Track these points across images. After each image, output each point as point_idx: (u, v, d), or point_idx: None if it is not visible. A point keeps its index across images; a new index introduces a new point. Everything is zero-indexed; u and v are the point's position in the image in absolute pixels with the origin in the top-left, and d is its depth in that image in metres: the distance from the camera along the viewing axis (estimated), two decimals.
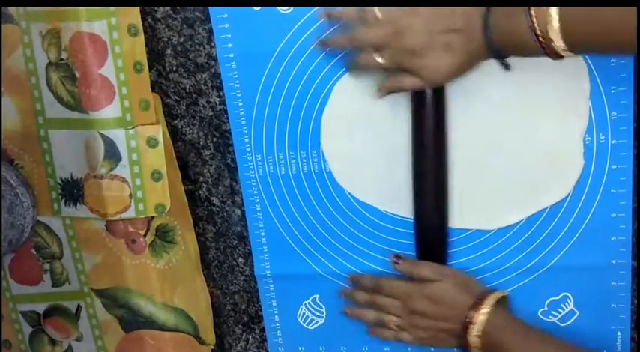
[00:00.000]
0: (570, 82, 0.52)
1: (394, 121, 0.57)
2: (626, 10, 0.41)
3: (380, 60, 0.51)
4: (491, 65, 0.50)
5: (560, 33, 0.43)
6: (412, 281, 0.56)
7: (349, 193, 0.60)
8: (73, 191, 0.61)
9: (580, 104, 0.53)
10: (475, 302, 0.53)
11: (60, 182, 0.61)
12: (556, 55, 0.45)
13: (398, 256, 0.58)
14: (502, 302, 0.55)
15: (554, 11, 0.43)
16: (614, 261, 0.56)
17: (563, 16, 0.43)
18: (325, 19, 0.54)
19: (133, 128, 0.58)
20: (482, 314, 0.52)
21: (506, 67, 0.50)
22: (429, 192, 0.55)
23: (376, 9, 0.50)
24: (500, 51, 0.47)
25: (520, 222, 0.57)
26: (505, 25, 0.46)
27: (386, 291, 0.57)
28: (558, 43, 0.44)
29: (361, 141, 0.58)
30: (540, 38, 0.44)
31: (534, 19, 0.44)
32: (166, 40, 0.59)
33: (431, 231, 0.57)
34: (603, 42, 0.44)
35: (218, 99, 0.60)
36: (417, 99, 0.53)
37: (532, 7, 0.44)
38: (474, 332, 0.52)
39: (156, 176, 0.59)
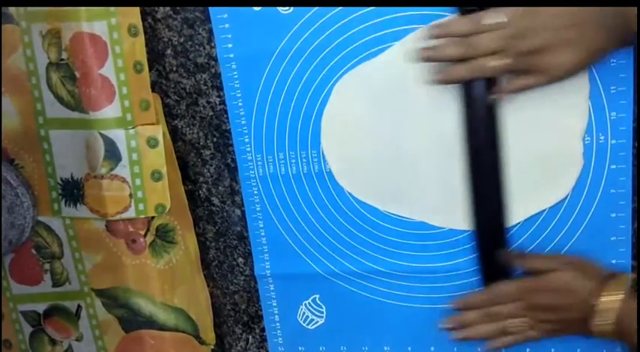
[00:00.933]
0: (570, 82, 0.52)
1: (394, 121, 0.57)
2: None
3: (495, 63, 0.49)
4: None
5: None
6: (526, 278, 0.55)
7: (349, 193, 0.60)
8: (73, 191, 0.61)
9: (579, 104, 0.53)
10: (596, 289, 0.51)
11: (60, 182, 0.61)
12: None
13: (512, 253, 0.56)
14: (627, 284, 0.51)
15: None
16: (614, 261, 0.56)
17: None
18: (434, 36, 0.51)
19: (133, 128, 0.58)
20: (603, 303, 0.50)
21: None
22: (487, 195, 0.55)
23: (487, 14, 0.49)
24: (620, 38, 0.47)
25: (520, 222, 0.57)
26: (618, 11, 0.45)
27: (503, 298, 0.55)
28: None
29: (361, 140, 0.58)
30: None
31: None
32: (166, 40, 0.59)
33: (491, 236, 0.56)
34: None
35: (218, 99, 0.60)
36: (470, 103, 0.53)
37: None
38: (599, 320, 0.50)
39: (156, 176, 0.59)
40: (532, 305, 0.54)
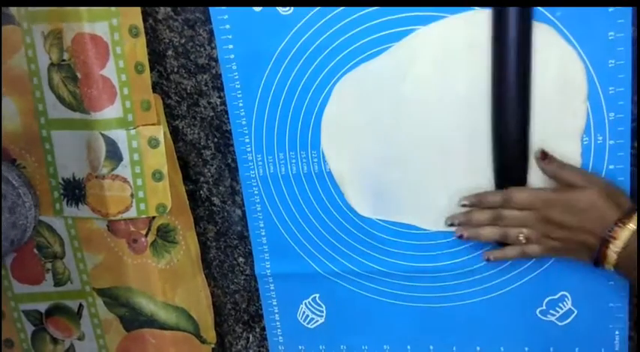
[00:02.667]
0: (568, 83, 0.52)
1: (394, 121, 0.57)
2: None
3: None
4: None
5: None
6: (547, 188, 0.53)
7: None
8: (74, 191, 0.61)
9: (578, 105, 0.53)
10: (622, 217, 0.49)
11: (62, 182, 0.61)
12: None
13: (545, 153, 0.53)
14: None
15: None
16: None
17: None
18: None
19: (134, 128, 0.58)
20: (627, 230, 0.48)
21: None
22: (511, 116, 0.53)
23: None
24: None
25: None
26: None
27: (518, 203, 0.53)
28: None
29: (361, 141, 0.58)
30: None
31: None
32: (167, 41, 0.60)
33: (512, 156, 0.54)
34: None
35: (219, 99, 0.61)
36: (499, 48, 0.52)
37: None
38: (615, 248, 0.48)
39: (157, 176, 0.59)
40: (545, 218, 0.52)
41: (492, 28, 0.52)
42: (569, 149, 0.54)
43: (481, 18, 0.52)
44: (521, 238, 0.53)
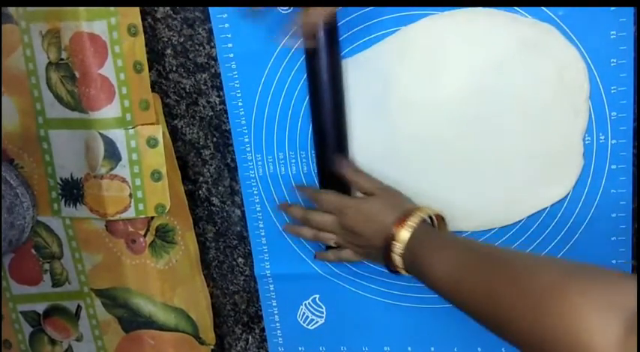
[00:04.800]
0: (570, 82, 0.52)
1: (394, 120, 0.57)
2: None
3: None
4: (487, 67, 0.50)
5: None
6: (347, 196, 0.55)
7: None
8: (72, 191, 0.61)
9: (580, 104, 0.53)
10: (400, 219, 0.50)
11: (60, 182, 0.61)
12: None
13: (342, 159, 0.56)
14: (423, 216, 0.51)
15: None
16: (614, 261, 0.56)
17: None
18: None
19: (132, 128, 0.57)
20: (405, 231, 0.49)
21: None
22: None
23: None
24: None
25: (520, 221, 0.57)
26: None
27: (322, 206, 0.55)
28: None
29: (360, 140, 0.58)
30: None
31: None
32: (166, 39, 0.59)
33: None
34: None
35: (218, 99, 0.60)
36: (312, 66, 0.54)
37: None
38: (396, 250, 0.49)
39: (156, 176, 0.59)
40: (342, 224, 0.54)
41: (306, 66, 0.55)
42: (571, 149, 0.54)
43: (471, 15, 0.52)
44: (330, 243, 0.56)
